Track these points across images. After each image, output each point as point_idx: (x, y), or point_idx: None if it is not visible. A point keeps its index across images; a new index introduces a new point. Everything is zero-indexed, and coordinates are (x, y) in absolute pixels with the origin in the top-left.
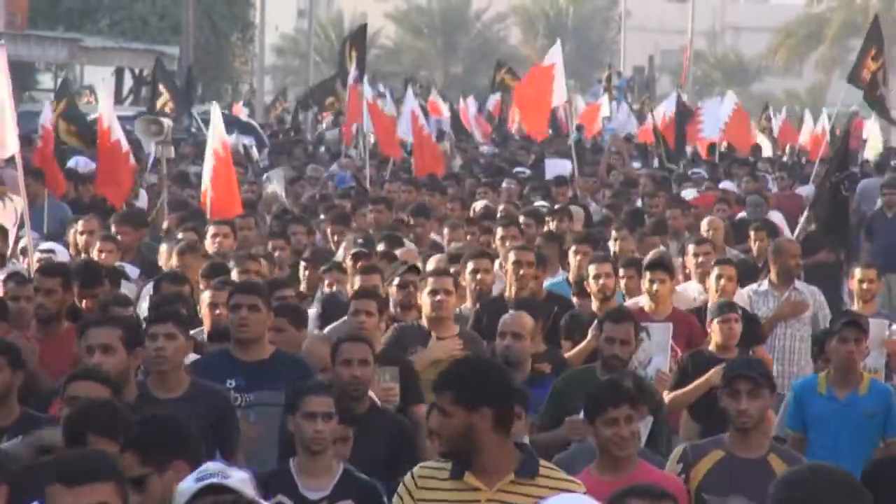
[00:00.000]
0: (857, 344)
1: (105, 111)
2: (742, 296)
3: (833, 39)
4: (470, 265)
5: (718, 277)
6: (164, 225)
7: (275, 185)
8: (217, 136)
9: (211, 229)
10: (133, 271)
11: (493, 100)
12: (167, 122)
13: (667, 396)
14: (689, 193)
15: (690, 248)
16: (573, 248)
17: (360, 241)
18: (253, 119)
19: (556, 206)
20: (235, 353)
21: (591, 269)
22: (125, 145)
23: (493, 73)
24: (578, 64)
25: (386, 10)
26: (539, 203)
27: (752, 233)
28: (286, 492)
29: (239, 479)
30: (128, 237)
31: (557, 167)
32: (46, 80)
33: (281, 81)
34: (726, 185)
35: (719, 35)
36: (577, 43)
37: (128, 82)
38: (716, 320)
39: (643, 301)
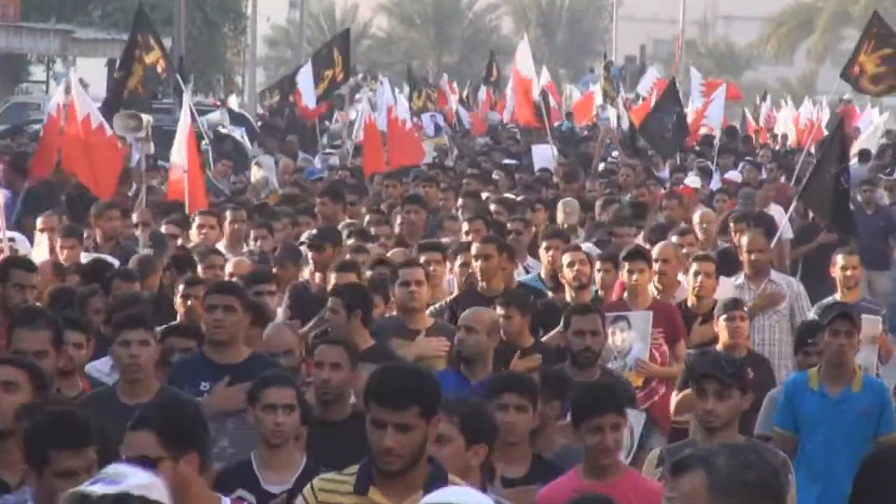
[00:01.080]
0: (848, 337)
1: (77, 99)
2: (727, 284)
3: (824, 28)
4: (459, 258)
5: (696, 273)
6: (137, 219)
7: (264, 170)
8: (187, 128)
9: (197, 220)
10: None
11: (483, 91)
12: (146, 117)
13: (674, 398)
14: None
15: (674, 238)
16: (544, 243)
17: (314, 232)
18: (245, 110)
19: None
20: (210, 355)
21: (565, 258)
22: (109, 130)
23: (487, 63)
24: (571, 53)
25: (378, 0)
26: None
27: (731, 224)
28: (247, 486)
29: (137, 483)
30: (112, 223)
31: (544, 153)
32: (39, 72)
33: (273, 72)
34: (731, 174)
35: (711, 24)
36: (569, 32)
37: None
38: (722, 318)
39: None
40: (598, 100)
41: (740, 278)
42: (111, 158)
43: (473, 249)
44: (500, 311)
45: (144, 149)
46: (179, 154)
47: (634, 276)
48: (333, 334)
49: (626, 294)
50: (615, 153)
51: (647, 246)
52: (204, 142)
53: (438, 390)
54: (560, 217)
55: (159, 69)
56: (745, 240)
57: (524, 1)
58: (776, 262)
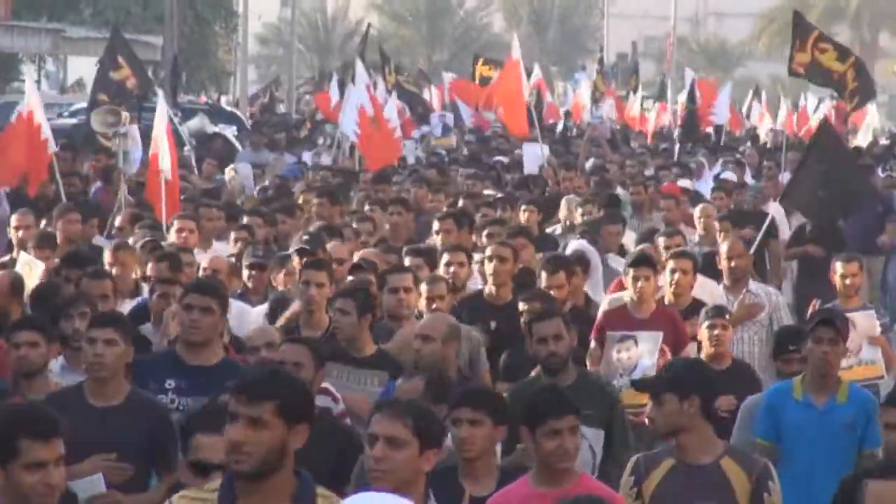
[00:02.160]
0: (831, 345)
1: (30, 97)
2: (713, 287)
3: (816, 24)
4: (444, 257)
5: (673, 271)
6: (117, 222)
7: (240, 177)
8: (166, 133)
9: (175, 224)
10: None
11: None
12: (125, 113)
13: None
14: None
15: (661, 240)
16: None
17: (305, 237)
18: (238, 109)
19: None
20: (181, 354)
21: (543, 279)
22: (46, 132)
23: (472, 64)
24: (562, 50)
25: None
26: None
27: (716, 224)
28: None
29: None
30: (73, 225)
31: (533, 152)
32: (30, 72)
33: (265, 70)
34: (727, 175)
35: (702, 21)
36: (561, 29)
37: None
38: (704, 326)
39: (626, 297)
40: (587, 96)
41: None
42: (36, 158)
43: (488, 251)
44: (523, 306)
45: (122, 145)
46: (164, 160)
47: (640, 284)
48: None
49: (629, 302)
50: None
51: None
52: (186, 148)
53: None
54: (563, 213)
55: (129, 85)
56: (724, 246)
57: None
58: (772, 263)
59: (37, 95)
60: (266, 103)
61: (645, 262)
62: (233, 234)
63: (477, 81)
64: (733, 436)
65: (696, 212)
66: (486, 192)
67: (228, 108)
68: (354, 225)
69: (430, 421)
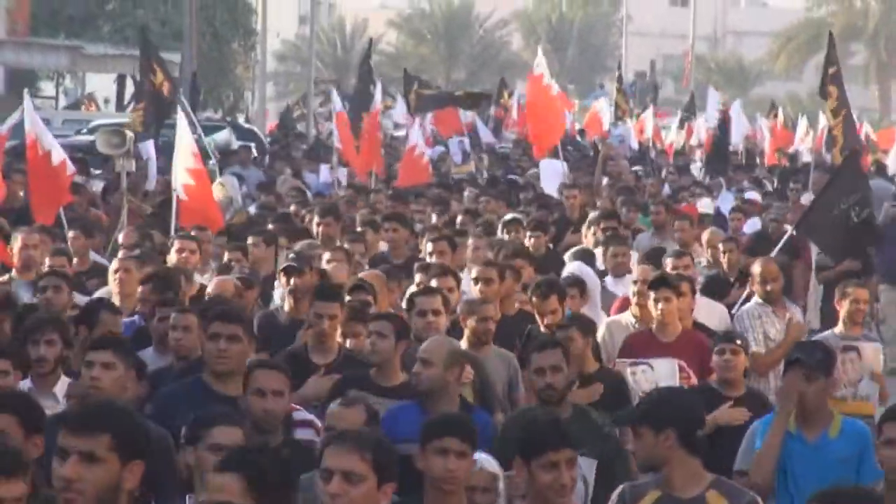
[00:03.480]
0: (808, 382)
1: (32, 126)
2: (715, 310)
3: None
4: (432, 283)
5: (656, 301)
6: (120, 240)
7: (228, 190)
8: (187, 146)
9: (176, 244)
10: None
11: (493, 109)
12: (129, 133)
13: None
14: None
15: (669, 261)
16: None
17: (291, 255)
18: (254, 125)
19: (511, 217)
20: (211, 384)
21: (536, 305)
22: (57, 158)
23: (497, 86)
24: (580, 69)
25: (388, 16)
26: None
27: (720, 245)
28: None
29: None
30: (77, 242)
31: (554, 169)
32: (48, 88)
33: (283, 88)
34: (752, 195)
35: (720, 39)
36: (579, 48)
37: (130, 90)
38: (714, 352)
39: (624, 320)
40: (608, 116)
41: (764, 304)
42: (54, 186)
43: (473, 272)
44: (561, 332)
45: (126, 166)
46: (177, 178)
47: (660, 306)
48: (270, 359)
49: (654, 325)
50: (636, 168)
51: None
52: (211, 161)
53: (139, 432)
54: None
55: (166, 91)
56: (756, 268)
57: (534, 17)
58: (796, 284)
59: (38, 122)
60: (304, 113)
61: (664, 283)
62: (226, 255)
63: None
64: (736, 461)
65: (704, 236)
66: (512, 215)
67: (246, 125)
68: (346, 245)
69: (388, 453)
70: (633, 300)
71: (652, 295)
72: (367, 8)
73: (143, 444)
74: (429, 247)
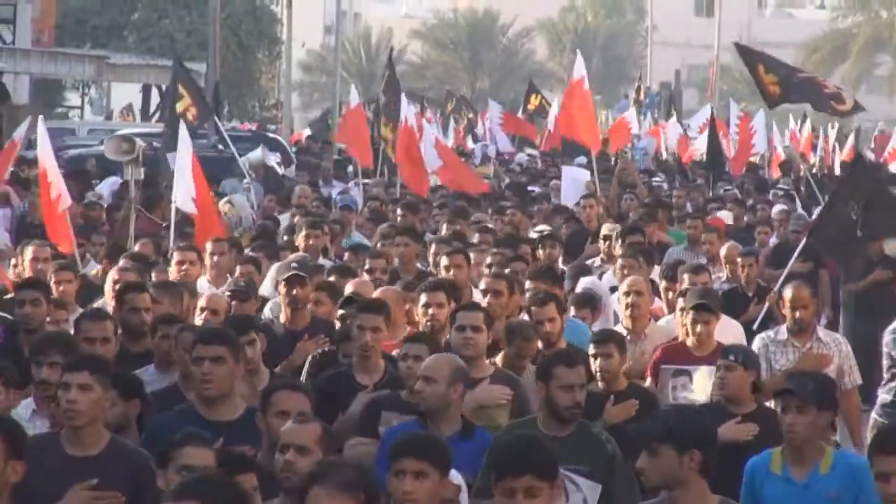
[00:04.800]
0: (799, 414)
1: (41, 152)
2: (731, 328)
3: (859, 54)
4: (422, 298)
5: (695, 322)
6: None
7: (237, 208)
8: (191, 163)
9: (175, 256)
10: None
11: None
12: (139, 141)
13: None
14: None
15: (686, 276)
16: (528, 284)
17: (294, 265)
18: (279, 135)
19: (546, 233)
20: (201, 411)
21: (534, 314)
22: (57, 189)
23: (525, 93)
24: (605, 78)
25: (413, 26)
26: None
27: (739, 259)
28: None
29: None
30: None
31: (576, 176)
32: (74, 98)
33: (308, 98)
34: (780, 206)
35: None
36: (604, 58)
37: (155, 99)
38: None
39: (689, 339)
40: (634, 128)
41: (782, 333)
42: (62, 229)
43: (482, 284)
44: (593, 349)
45: (135, 174)
46: (186, 188)
47: (699, 328)
48: (290, 380)
49: (689, 341)
50: (656, 178)
51: (663, 283)
52: (245, 181)
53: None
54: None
55: (189, 116)
56: (788, 293)
57: (559, 26)
58: (820, 295)
59: (49, 153)
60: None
61: (704, 308)
62: (238, 269)
63: (528, 109)
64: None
65: (722, 251)
66: (540, 227)
67: (272, 135)
68: (368, 261)
69: (377, 491)
70: (626, 312)
71: (691, 315)
72: (392, 18)
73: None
74: (444, 260)
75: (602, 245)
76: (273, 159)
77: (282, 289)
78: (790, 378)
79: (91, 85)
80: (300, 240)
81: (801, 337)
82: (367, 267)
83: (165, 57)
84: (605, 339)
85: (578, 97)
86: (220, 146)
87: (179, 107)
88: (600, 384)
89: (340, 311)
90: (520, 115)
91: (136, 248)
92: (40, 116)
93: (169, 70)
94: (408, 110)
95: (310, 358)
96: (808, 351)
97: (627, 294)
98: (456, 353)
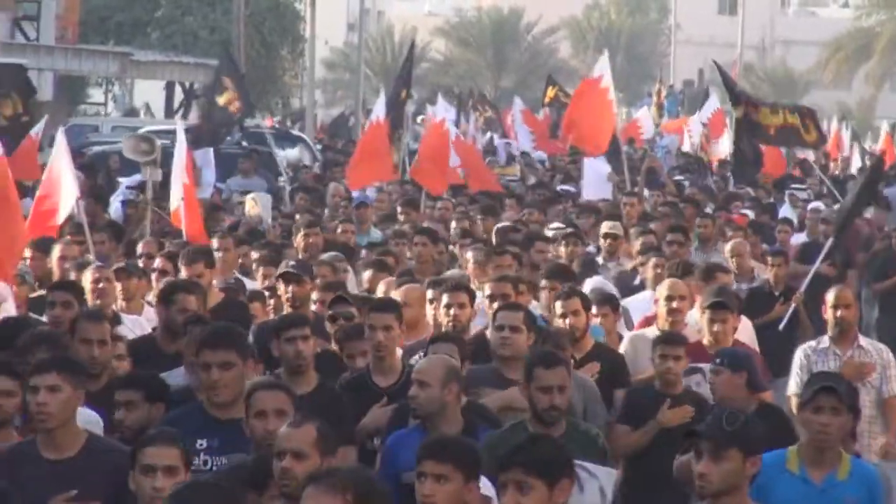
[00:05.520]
0: (834, 415)
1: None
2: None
3: (883, 53)
4: (444, 298)
5: (712, 321)
6: (140, 248)
7: (259, 208)
8: (182, 158)
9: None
10: None
11: (542, 114)
12: (158, 141)
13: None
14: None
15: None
16: (542, 282)
17: (292, 262)
18: (303, 133)
19: (568, 231)
20: (210, 409)
21: (558, 307)
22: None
23: (544, 87)
24: (629, 77)
25: (436, 23)
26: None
27: (769, 258)
28: None
29: None
30: (103, 247)
31: (597, 169)
32: (97, 94)
33: (331, 95)
34: (816, 205)
35: (769, 48)
36: (628, 56)
37: (178, 96)
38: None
39: (650, 334)
40: (648, 126)
41: (824, 342)
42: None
43: (487, 289)
44: (664, 349)
45: (153, 175)
46: (175, 186)
47: (716, 327)
48: (272, 379)
49: (706, 340)
50: (679, 177)
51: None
52: (282, 178)
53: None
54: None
55: (232, 109)
56: (830, 294)
57: (583, 24)
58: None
59: (66, 153)
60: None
61: (722, 306)
62: (261, 270)
63: (545, 102)
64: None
65: (727, 245)
66: (554, 225)
67: (295, 132)
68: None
69: (372, 492)
70: (665, 316)
71: (708, 314)
72: (416, 15)
73: None
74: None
75: (603, 243)
76: (308, 158)
77: (280, 287)
78: (828, 377)
79: (115, 82)
80: (299, 239)
81: (843, 345)
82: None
83: (189, 54)
84: (676, 342)
85: (590, 96)
86: (244, 143)
87: (221, 100)
88: (657, 384)
89: (329, 312)
90: (541, 109)
91: (140, 247)
92: (60, 128)
93: (192, 67)
94: (444, 109)
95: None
96: (849, 359)
97: (671, 299)
98: (493, 352)
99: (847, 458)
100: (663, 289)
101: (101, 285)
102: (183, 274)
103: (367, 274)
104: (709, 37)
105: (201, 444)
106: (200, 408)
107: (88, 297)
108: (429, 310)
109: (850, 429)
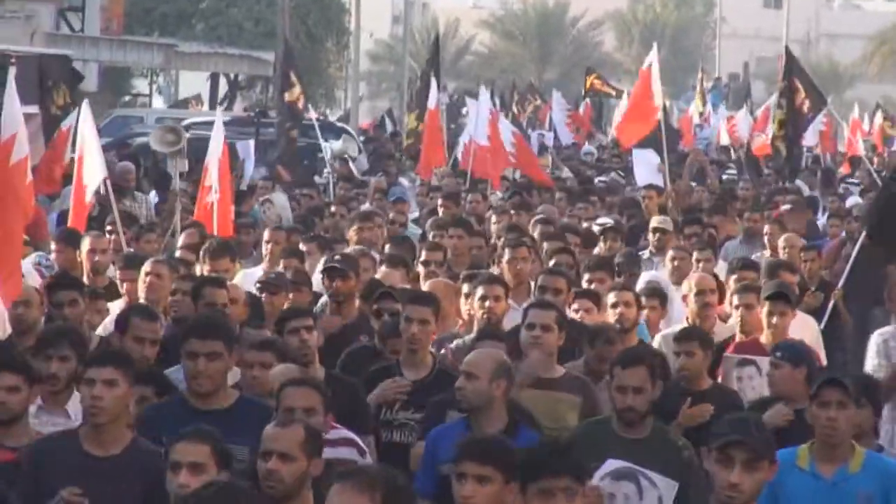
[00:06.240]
0: (840, 409)
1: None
2: (806, 324)
3: None
4: (479, 291)
5: (771, 313)
6: (178, 243)
7: (277, 208)
8: (221, 149)
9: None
10: None
11: (583, 105)
12: (185, 132)
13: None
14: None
15: (735, 273)
16: (586, 276)
17: (337, 256)
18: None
19: (608, 225)
20: (191, 401)
21: (610, 297)
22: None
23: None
24: (674, 70)
25: (481, 16)
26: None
27: (801, 254)
28: None
29: None
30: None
31: (647, 160)
32: (142, 86)
33: (376, 88)
34: (854, 200)
35: (814, 42)
36: (673, 49)
37: (223, 88)
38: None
39: (763, 332)
40: (696, 118)
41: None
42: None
43: (539, 280)
44: (677, 346)
45: (179, 166)
46: (211, 176)
47: (775, 319)
48: (300, 375)
49: (762, 336)
50: (730, 171)
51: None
52: (326, 170)
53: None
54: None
55: (300, 105)
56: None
57: (627, 18)
58: (891, 290)
59: (94, 137)
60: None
61: (782, 297)
62: (282, 263)
63: (584, 91)
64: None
65: (781, 241)
66: (602, 220)
67: (338, 124)
68: (424, 255)
69: (399, 492)
70: (696, 312)
71: (767, 306)
72: (460, 8)
73: None
74: (507, 254)
75: (651, 237)
76: (353, 151)
77: (324, 282)
78: (833, 370)
79: (159, 73)
80: (352, 233)
81: None
82: (422, 259)
83: (234, 45)
84: (688, 336)
85: (639, 88)
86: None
87: (289, 96)
88: (682, 382)
89: (375, 306)
90: (581, 108)
91: (181, 238)
92: (85, 100)
93: (237, 58)
94: (486, 102)
95: (345, 353)
96: None
97: (701, 294)
98: (523, 350)
99: (861, 451)
100: (692, 284)
101: (150, 279)
102: (206, 268)
103: (382, 269)
104: (754, 30)
105: None
106: (181, 399)
107: (141, 291)
108: (463, 305)
109: (861, 422)
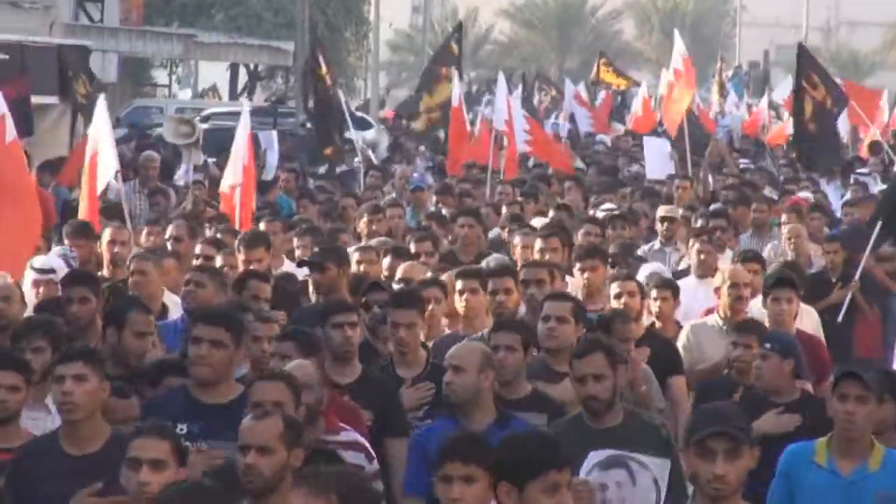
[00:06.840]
0: (859, 403)
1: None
2: (812, 316)
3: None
4: (490, 284)
5: (776, 300)
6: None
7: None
8: (246, 140)
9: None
10: None
11: (602, 96)
12: (200, 125)
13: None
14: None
15: (738, 265)
16: (577, 264)
17: (316, 249)
18: (367, 114)
19: (618, 212)
20: (194, 392)
21: (613, 288)
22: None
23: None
24: (694, 59)
25: (501, 5)
26: (608, 206)
27: (824, 245)
28: None
29: None
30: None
31: (658, 149)
32: (161, 76)
33: (396, 77)
34: (880, 187)
35: (834, 30)
36: (692, 38)
37: (242, 78)
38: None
39: (710, 322)
40: (715, 106)
41: None
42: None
43: (523, 274)
44: (736, 336)
45: (193, 157)
46: (234, 168)
47: (783, 306)
48: (271, 370)
49: (767, 323)
50: (744, 161)
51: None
52: (357, 160)
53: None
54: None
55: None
56: None
57: (647, 6)
58: None
59: (108, 134)
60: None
61: (785, 284)
62: (298, 252)
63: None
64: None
65: (784, 231)
66: (608, 205)
67: (359, 114)
68: (413, 247)
69: (356, 492)
70: (729, 304)
71: (771, 294)
72: None
73: None
74: (538, 243)
75: (660, 227)
76: (386, 140)
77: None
78: (854, 364)
79: (179, 63)
80: (362, 225)
81: None
82: (412, 251)
83: (253, 36)
84: (747, 329)
85: (682, 75)
86: (309, 125)
87: (323, 75)
88: (732, 373)
89: (363, 299)
90: (601, 96)
91: (170, 229)
92: (101, 96)
93: (256, 49)
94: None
95: None
96: None
97: (735, 286)
98: (539, 342)
99: (881, 448)
100: (726, 276)
101: (135, 277)
102: (241, 258)
103: (386, 261)
104: (774, 18)
105: (181, 429)
106: (185, 391)
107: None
108: (458, 301)
109: (884, 418)
